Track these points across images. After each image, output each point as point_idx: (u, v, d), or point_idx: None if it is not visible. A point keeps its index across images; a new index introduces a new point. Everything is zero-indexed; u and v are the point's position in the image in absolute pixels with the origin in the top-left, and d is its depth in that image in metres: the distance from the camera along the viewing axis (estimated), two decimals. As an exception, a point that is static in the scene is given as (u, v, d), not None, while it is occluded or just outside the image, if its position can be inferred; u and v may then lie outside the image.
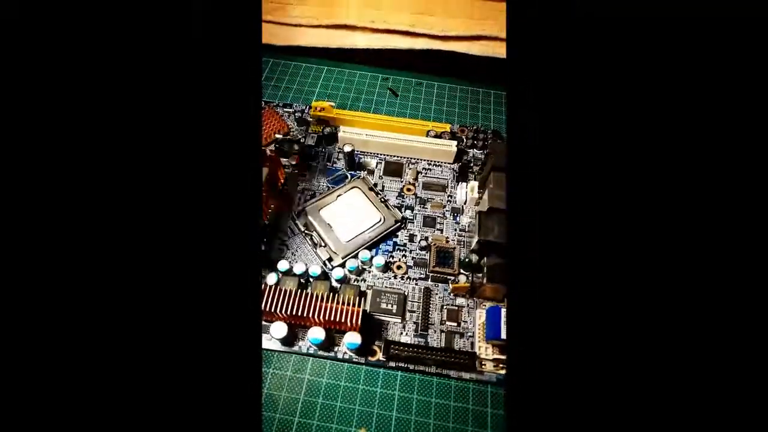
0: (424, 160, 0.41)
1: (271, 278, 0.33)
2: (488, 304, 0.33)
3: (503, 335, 0.28)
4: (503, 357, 0.30)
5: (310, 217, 0.37)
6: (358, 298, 0.32)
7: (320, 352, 0.32)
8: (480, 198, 0.36)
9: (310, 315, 0.30)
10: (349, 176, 0.40)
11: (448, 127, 0.43)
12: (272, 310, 0.31)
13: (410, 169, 0.41)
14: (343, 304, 0.31)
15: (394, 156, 0.42)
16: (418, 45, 0.52)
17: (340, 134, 0.40)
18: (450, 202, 0.39)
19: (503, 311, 0.29)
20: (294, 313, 0.30)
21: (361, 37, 0.53)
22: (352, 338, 0.30)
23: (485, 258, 0.32)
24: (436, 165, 0.41)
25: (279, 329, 0.31)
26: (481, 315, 0.33)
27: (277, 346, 0.32)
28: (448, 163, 0.41)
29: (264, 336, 0.32)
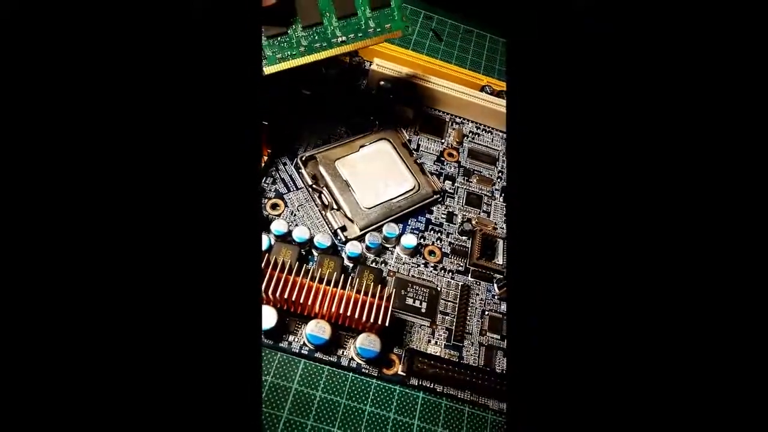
0: (472, 122, 0.33)
1: (261, 242, 0.24)
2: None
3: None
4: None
5: (321, 168, 0.27)
6: (379, 286, 0.23)
7: (318, 354, 0.23)
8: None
9: (316, 303, 0.21)
10: (376, 124, 0.31)
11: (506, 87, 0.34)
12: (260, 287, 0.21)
13: (454, 129, 0.32)
14: (358, 292, 0.22)
15: (436, 110, 0.33)
16: (471, -15, 0.42)
17: (372, 67, 0.31)
18: (500, 179, 0.31)
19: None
20: (292, 296, 0.21)
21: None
22: (369, 342, 0.22)
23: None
24: (486, 130, 0.33)
25: (266, 316, 0.22)
26: (533, 330, 0.25)
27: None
28: (501, 131, 0.33)
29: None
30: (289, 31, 0.21)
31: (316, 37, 0.22)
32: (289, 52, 0.22)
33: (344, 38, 0.22)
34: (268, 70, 0.22)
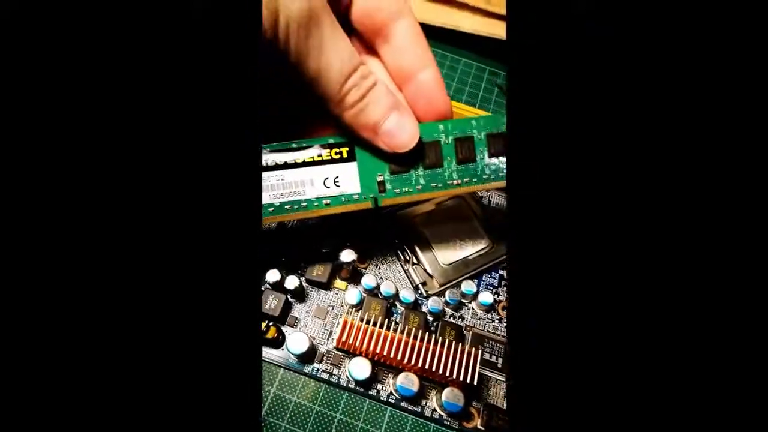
0: (540, 180, 0.34)
1: (352, 296, 0.26)
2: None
3: None
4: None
5: (402, 225, 0.30)
6: (459, 343, 0.25)
7: (403, 404, 0.25)
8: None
9: (407, 358, 0.23)
10: (451, 182, 0.33)
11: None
12: (354, 342, 0.24)
13: (522, 187, 0.34)
14: (443, 346, 0.24)
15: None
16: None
17: (448, 129, 0.33)
18: (568, 237, 0.32)
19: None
20: (383, 350, 0.24)
21: (468, 19, 0.46)
22: (454, 397, 0.24)
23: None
24: (553, 188, 0.34)
25: (360, 368, 0.24)
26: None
27: (351, 385, 0.25)
28: (567, 189, 0.34)
29: (339, 371, 0.25)
30: (411, 170, 0.23)
31: (434, 178, 0.23)
32: (406, 189, 0.23)
33: (459, 181, 0.24)
34: (384, 201, 0.23)
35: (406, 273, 0.29)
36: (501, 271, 0.30)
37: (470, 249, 0.29)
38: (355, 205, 0.23)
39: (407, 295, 0.27)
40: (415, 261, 0.29)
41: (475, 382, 0.23)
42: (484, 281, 0.29)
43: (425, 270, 0.28)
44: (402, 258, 0.29)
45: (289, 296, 0.27)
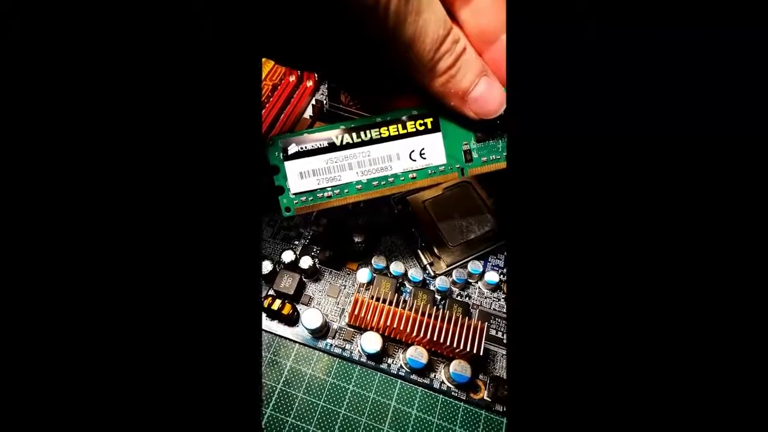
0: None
1: (363, 275, 0.28)
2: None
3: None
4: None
5: (411, 209, 0.31)
6: (466, 318, 0.26)
7: (413, 376, 0.26)
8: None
9: (416, 332, 0.25)
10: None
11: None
12: (365, 316, 0.25)
13: (527, 172, 0.35)
14: (449, 322, 0.25)
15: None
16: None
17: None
18: (572, 220, 0.33)
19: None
20: (393, 324, 0.25)
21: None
22: (462, 368, 0.25)
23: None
24: (557, 173, 0.35)
25: (372, 342, 0.25)
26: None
27: (363, 359, 0.26)
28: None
29: (351, 346, 0.26)
30: (498, 137, 0.23)
31: None
32: (494, 156, 0.23)
33: None
34: (472, 171, 0.23)
35: (414, 254, 0.30)
36: (507, 253, 0.31)
37: (476, 231, 0.30)
38: (441, 177, 0.22)
39: (415, 274, 0.28)
40: (423, 243, 0.30)
41: (481, 353, 0.24)
42: (490, 262, 0.30)
43: (433, 251, 0.29)
44: (411, 239, 0.30)
45: (303, 276, 0.28)
